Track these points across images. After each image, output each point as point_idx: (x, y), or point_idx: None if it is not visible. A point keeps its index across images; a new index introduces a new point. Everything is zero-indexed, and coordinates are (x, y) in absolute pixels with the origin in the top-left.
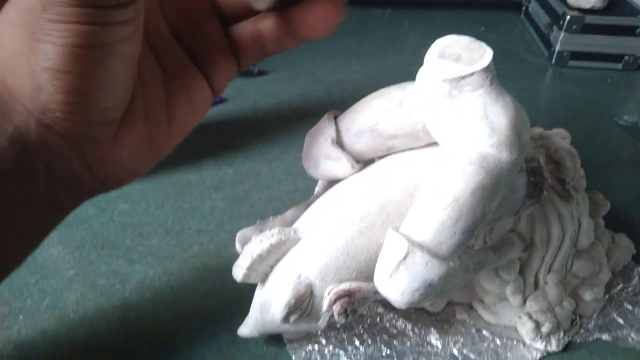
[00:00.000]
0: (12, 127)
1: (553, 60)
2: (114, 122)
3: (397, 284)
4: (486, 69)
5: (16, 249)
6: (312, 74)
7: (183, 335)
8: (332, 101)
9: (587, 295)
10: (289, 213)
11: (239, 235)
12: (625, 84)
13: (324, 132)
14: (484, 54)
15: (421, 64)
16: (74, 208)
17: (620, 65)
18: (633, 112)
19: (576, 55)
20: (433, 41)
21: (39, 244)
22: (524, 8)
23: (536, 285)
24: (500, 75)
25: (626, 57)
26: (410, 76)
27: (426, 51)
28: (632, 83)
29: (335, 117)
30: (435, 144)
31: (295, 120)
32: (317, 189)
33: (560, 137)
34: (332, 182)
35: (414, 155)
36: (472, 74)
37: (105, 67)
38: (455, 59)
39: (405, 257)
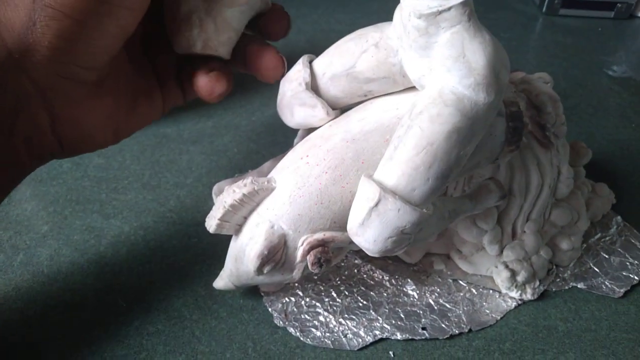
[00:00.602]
0: None
1: (544, 9)
2: (87, 84)
3: (369, 231)
4: (464, 3)
5: None
6: (294, 23)
7: (159, 289)
8: (315, 52)
9: (565, 244)
10: (266, 165)
11: (215, 188)
12: (616, 33)
13: (298, 77)
14: None
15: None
16: (29, 171)
17: (612, 14)
18: (622, 62)
19: (568, 3)
20: None
21: None
22: None
23: (514, 234)
24: (490, 24)
25: (619, 5)
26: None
27: None
28: (623, 32)
29: (310, 62)
30: (413, 88)
31: None
32: (296, 141)
33: (542, 81)
34: (309, 132)
35: (391, 100)
36: (449, 8)
37: (102, 26)
38: None
39: (377, 204)
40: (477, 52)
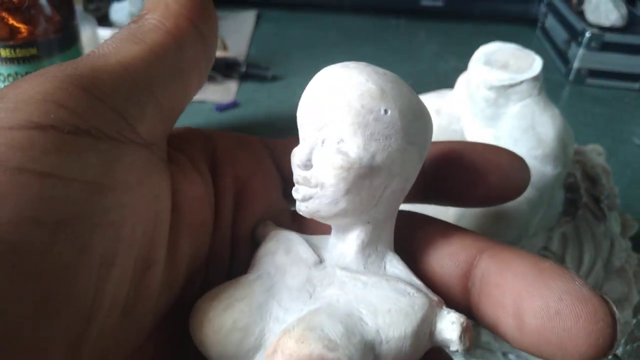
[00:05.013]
0: None
1: (570, 77)
2: None
3: None
4: (535, 78)
5: None
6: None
7: None
8: None
9: None
10: None
11: None
12: None
13: None
14: (533, 63)
15: (437, 74)
16: None
17: (638, 85)
18: None
19: (594, 73)
20: (449, 52)
21: None
22: (540, 24)
23: None
24: None
25: None
26: (427, 86)
27: (442, 62)
28: None
29: None
30: None
31: None
32: None
33: (595, 153)
34: None
35: None
36: (521, 82)
37: None
38: (502, 66)
39: None
40: (547, 125)
